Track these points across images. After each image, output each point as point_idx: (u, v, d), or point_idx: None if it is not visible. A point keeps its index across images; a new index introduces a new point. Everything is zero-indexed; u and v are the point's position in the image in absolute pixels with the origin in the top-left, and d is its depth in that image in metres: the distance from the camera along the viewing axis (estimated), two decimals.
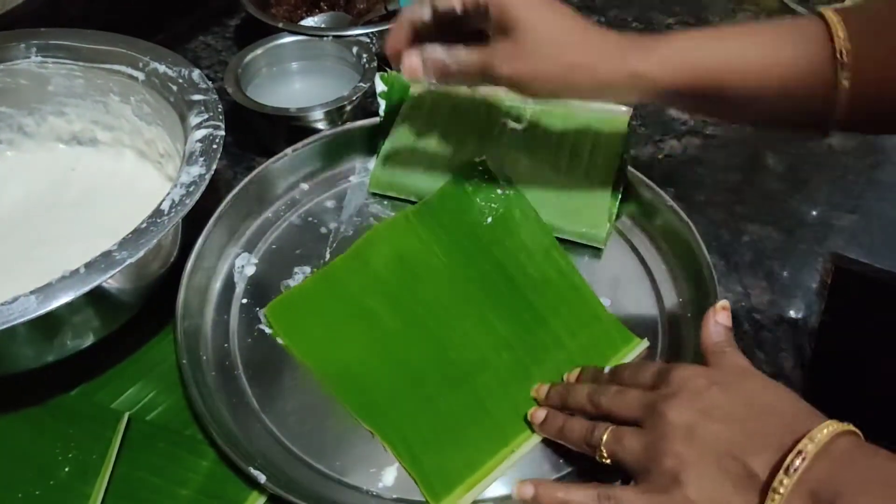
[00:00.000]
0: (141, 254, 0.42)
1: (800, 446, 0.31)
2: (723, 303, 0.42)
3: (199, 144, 0.48)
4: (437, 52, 0.46)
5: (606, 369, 0.44)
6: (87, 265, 0.41)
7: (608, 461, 0.38)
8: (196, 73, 0.54)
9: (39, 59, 0.57)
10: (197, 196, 0.45)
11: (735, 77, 0.41)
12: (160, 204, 0.44)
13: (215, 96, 0.52)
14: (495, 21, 0.44)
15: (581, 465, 0.43)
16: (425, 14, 0.47)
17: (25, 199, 0.58)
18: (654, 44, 0.43)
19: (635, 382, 0.40)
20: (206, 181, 0.46)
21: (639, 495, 0.35)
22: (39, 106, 0.59)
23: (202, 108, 0.50)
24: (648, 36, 0.45)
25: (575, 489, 0.38)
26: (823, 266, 0.55)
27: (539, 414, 0.44)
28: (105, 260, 0.41)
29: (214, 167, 0.47)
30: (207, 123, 0.49)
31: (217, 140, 0.48)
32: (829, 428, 0.32)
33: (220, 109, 0.51)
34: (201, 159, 0.47)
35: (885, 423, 0.45)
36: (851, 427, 0.32)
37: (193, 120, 0.49)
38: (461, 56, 0.46)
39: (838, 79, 0.38)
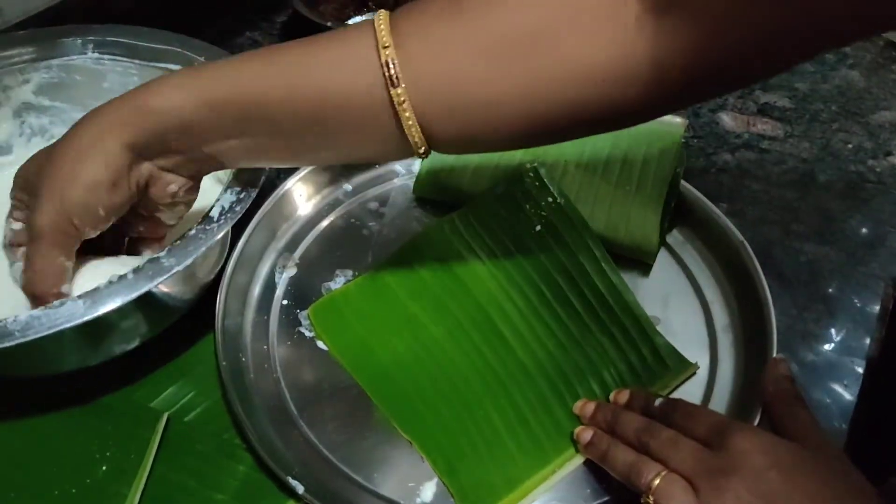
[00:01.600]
0: (189, 261, 0.41)
1: None
2: (780, 356, 0.42)
3: None
4: None
5: (658, 401, 0.42)
6: (136, 271, 0.40)
7: None
8: None
9: (96, 55, 0.56)
10: (248, 203, 0.44)
11: (257, 103, 0.36)
12: (210, 210, 0.44)
13: None
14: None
15: (622, 494, 0.41)
16: None
17: None
18: (161, 78, 0.39)
19: (688, 430, 0.38)
20: (258, 188, 0.45)
21: None
22: (94, 103, 0.56)
23: None
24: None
25: None
26: (885, 291, 0.52)
27: (585, 435, 0.43)
28: (153, 267, 0.41)
29: (265, 176, 0.46)
30: None
31: None
32: None
33: None
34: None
35: None
36: None
37: None
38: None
39: (392, 97, 0.33)
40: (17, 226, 0.43)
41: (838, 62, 0.73)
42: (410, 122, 0.34)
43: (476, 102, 0.34)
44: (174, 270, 0.40)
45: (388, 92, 0.33)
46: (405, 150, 0.37)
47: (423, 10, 0.35)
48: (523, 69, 0.34)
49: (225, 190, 0.45)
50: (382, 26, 0.34)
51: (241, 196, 0.44)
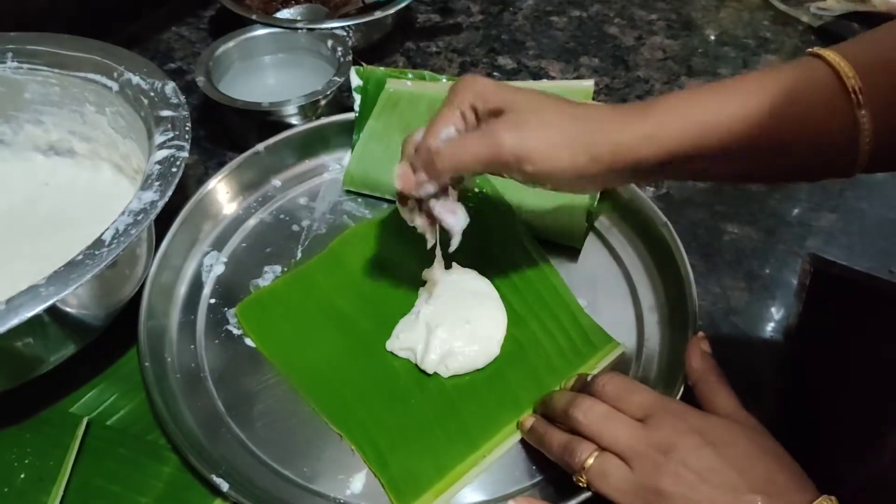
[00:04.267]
0: (69, 290, 0.38)
1: None
2: (700, 333, 0.43)
3: (157, 167, 0.45)
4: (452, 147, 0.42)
5: (590, 377, 0.43)
6: (9, 301, 0.38)
7: (586, 486, 0.37)
8: (170, 87, 0.51)
9: (15, 64, 0.54)
10: (145, 225, 0.42)
11: (744, 130, 0.37)
12: (102, 234, 0.41)
13: (185, 113, 0.49)
14: (484, 110, 0.42)
15: (553, 472, 0.42)
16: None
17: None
18: (648, 108, 0.39)
19: (620, 406, 0.39)
20: (158, 209, 0.43)
21: None
22: (16, 114, 0.56)
23: (169, 125, 0.48)
24: (629, 106, 0.41)
25: None
26: (802, 267, 0.54)
27: (528, 421, 0.43)
28: (27, 296, 0.38)
29: (170, 193, 0.44)
30: (171, 143, 0.46)
31: (178, 162, 0.45)
32: None
33: (187, 128, 0.48)
34: (157, 184, 0.44)
35: (858, 424, 0.44)
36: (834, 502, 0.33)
37: (158, 138, 0.47)
38: (466, 144, 0.41)
39: (857, 118, 0.35)
40: (451, 133, 0.42)
41: (759, 46, 0.75)
42: (868, 144, 0.36)
43: None
44: (49, 302, 0.38)
45: (854, 115, 0.35)
46: (845, 169, 0.37)
47: (876, 42, 0.36)
48: None
49: (122, 213, 0.43)
50: (836, 59, 0.35)
51: (139, 218, 0.42)
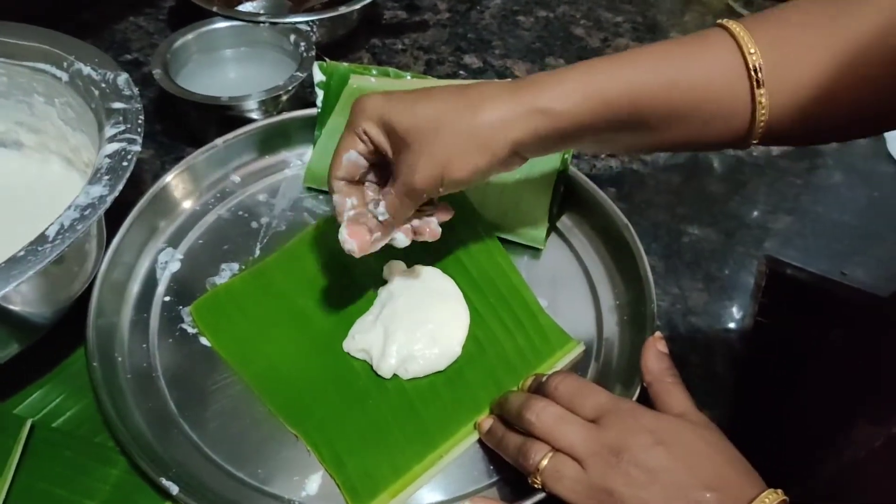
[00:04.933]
0: (8, 288, 0.37)
1: None
2: (658, 334, 0.43)
3: (107, 160, 0.43)
4: (370, 223, 0.43)
5: (545, 378, 0.42)
6: None
7: (540, 488, 0.37)
8: (122, 78, 0.49)
9: None
10: (92, 221, 0.40)
11: (646, 99, 0.38)
12: (46, 229, 0.40)
13: (138, 105, 0.47)
14: (384, 149, 0.42)
15: (510, 472, 0.41)
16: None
17: None
18: (552, 77, 0.39)
19: (575, 407, 0.39)
20: (107, 204, 0.41)
21: None
22: None
23: (120, 118, 0.46)
24: (545, 73, 0.40)
25: None
26: (758, 268, 0.55)
27: (486, 423, 0.43)
28: None
29: (120, 187, 0.42)
30: (122, 136, 0.45)
31: (129, 156, 0.43)
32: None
33: (140, 121, 0.46)
34: (106, 178, 0.42)
35: (811, 422, 0.45)
36: (782, 496, 0.34)
37: (109, 131, 0.45)
38: (383, 207, 0.43)
39: (755, 96, 0.36)
40: (360, 162, 0.43)
41: None
42: (763, 119, 0.37)
43: (830, 111, 0.36)
44: None
45: (752, 92, 0.36)
46: (739, 141, 0.39)
47: (782, 20, 0.37)
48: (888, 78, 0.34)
49: (69, 207, 0.41)
50: (742, 33, 0.36)
51: (86, 213, 0.41)
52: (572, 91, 0.38)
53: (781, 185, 0.62)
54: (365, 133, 0.42)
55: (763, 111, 0.36)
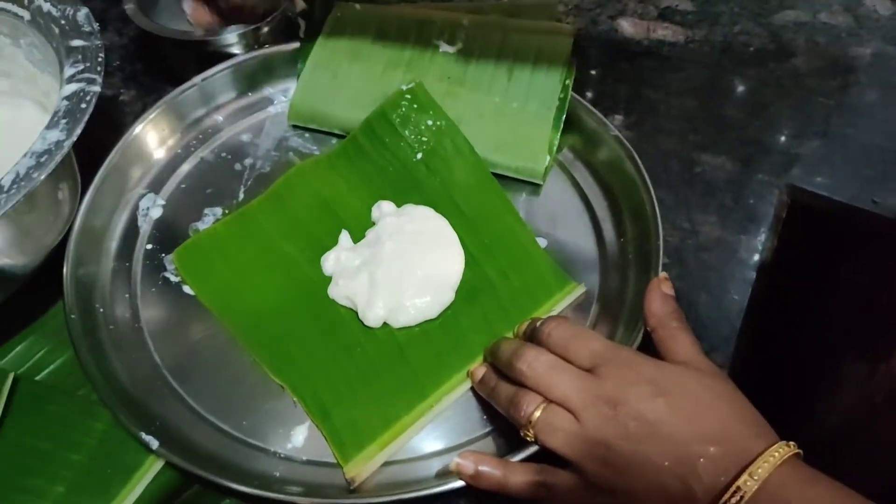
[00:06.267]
0: None
1: (740, 482, 0.30)
2: (663, 275, 0.40)
3: (65, 103, 0.40)
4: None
5: (539, 323, 0.40)
6: None
7: (533, 441, 0.35)
8: (82, 14, 0.46)
9: None
10: (49, 168, 0.37)
11: None
12: (1, 179, 0.37)
13: (98, 42, 0.44)
14: None
15: (504, 422, 0.39)
16: None
17: None
18: None
19: (567, 356, 0.36)
20: (64, 150, 0.38)
21: (578, 491, 0.34)
22: None
23: (79, 56, 0.43)
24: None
25: (514, 472, 0.36)
26: (779, 199, 0.51)
27: (478, 371, 0.41)
28: None
29: (79, 131, 0.39)
30: (81, 76, 0.41)
31: (88, 98, 0.40)
32: (770, 459, 0.30)
33: (100, 59, 0.43)
34: (63, 121, 0.39)
35: (832, 361, 0.42)
36: (794, 450, 0.31)
37: (68, 71, 0.42)
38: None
39: None
40: None
41: None
42: None
43: None
44: None
45: None
46: None
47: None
48: None
49: (25, 154, 0.38)
50: None
51: (43, 160, 0.38)
52: None
53: (808, 107, 0.57)
54: None
55: None
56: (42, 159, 0.38)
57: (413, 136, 0.50)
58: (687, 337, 0.37)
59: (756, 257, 0.48)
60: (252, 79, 0.55)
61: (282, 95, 0.56)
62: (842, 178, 0.52)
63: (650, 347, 0.38)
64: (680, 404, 0.33)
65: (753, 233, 0.49)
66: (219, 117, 0.55)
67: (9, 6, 0.48)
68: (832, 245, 0.47)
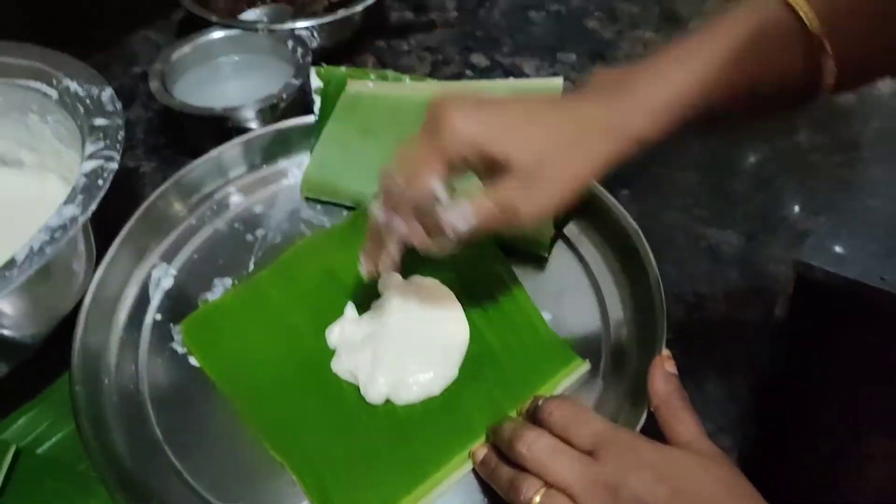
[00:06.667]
0: None
1: None
2: (666, 353, 0.40)
3: (84, 179, 0.42)
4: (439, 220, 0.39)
5: (540, 401, 0.39)
6: None
7: None
8: (106, 94, 0.48)
9: None
10: (62, 243, 0.39)
11: (725, 99, 0.38)
12: (16, 253, 0.39)
13: (120, 121, 0.46)
14: (481, 166, 0.39)
15: None
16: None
17: None
18: (637, 100, 0.39)
19: (568, 437, 0.36)
20: (78, 225, 0.40)
21: None
22: None
23: (100, 134, 0.45)
24: (613, 85, 0.39)
25: None
26: (785, 274, 0.50)
27: (479, 452, 0.40)
28: None
29: (94, 208, 0.41)
30: (101, 153, 0.44)
31: (106, 174, 0.42)
32: None
33: (120, 137, 0.45)
34: (80, 197, 0.41)
35: (835, 441, 0.41)
36: None
37: (89, 148, 0.44)
38: (474, 213, 0.38)
39: (820, 62, 0.36)
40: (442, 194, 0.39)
41: None
42: (831, 79, 0.37)
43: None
44: None
45: (817, 58, 0.36)
46: (810, 98, 0.39)
47: None
48: None
49: (40, 229, 0.40)
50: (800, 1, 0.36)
51: (56, 236, 0.39)
52: (659, 117, 0.38)
53: (813, 182, 0.57)
54: (463, 161, 0.39)
55: (830, 74, 0.37)
56: (56, 234, 0.39)
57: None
58: (690, 418, 0.37)
59: (763, 334, 0.48)
60: (267, 152, 0.57)
61: (296, 168, 0.58)
62: (849, 254, 0.52)
63: (655, 426, 0.37)
64: (682, 491, 0.32)
65: (760, 308, 0.49)
66: (234, 189, 0.56)
67: (39, 85, 0.51)
68: (841, 321, 0.46)
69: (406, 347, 0.44)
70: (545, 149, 0.38)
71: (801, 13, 0.36)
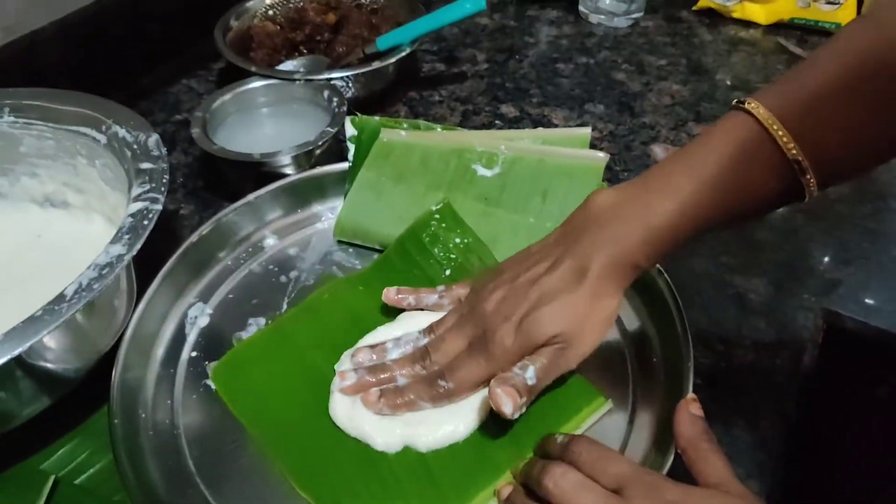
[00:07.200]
0: (24, 347, 0.38)
1: None
2: (691, 396, 0.40)
3: (130, 220, 0.45)
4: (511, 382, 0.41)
5: (562, 439, 0.40)
6: None
7: None
8: (153, 139, 0.51)
9: (12, 118, 0.55)
10: (109, 279, 0.41)
11: (709, 218, 0.41)
12: (65, 288, 0.40)
13: (164, 165, 0.49)
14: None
15: None
16: None
17: None
18: (624, 228, 0.42)
19: (595, 476, 0.36)
20: (124, 263, 0.42)
21: None
22: (12, 167, 0.57)
23: (146, 177, 0.47)
24: (612, 216, 0.42)
25: None
26: (814, 323, 0.50)
27: (504, 490, 0.41)
28: None
29: (139, 246, 0.43)
30: (146, 195, 0.46)
31: (150, 215, 0.45)
32: None
33: (164, 180, 0.48)
34: (126, 237, 0.43)
35: (867, 498, 0.40)
36: None
37: (135, 190, 0.47)
38: (532, 372, 0.42)
39: (804, 180, 0.38)
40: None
41: None
42: (813, 189, 0.39)
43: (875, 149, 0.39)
44: (4, 358, 0.37)
45: (798, 178, 0.38)
46: (796, 200, 0.40)
47: (799, 83, 0.39)
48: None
49: (89, 266, 0.42)
50: (774, 126, 0.38)
51: (104, 273, 0.41)
52: (652, 249, 0.42)
53: (839, 232, 0.57)
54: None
55: (809, 176, 0.38)
56: (104, 272, 0.41)
57: (442, 254, 0.53)
58: (718, 459, 0.37)
59: (792, 382, 0.47)
60: (302, 197, 0.59)
61: (329, 213, 0.60)
62: (877, 305, 0.52)
63: (682, 470, 0.37)
64: None
65: (788, 357, 0.49)
66: (269, 232, 0.58)
67: (88, 130, 0.54)
68: (870, 370, 0.46)
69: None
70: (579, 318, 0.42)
71: (776, 136, 0.37)
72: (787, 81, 0.40)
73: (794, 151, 0.37)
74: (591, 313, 0.42)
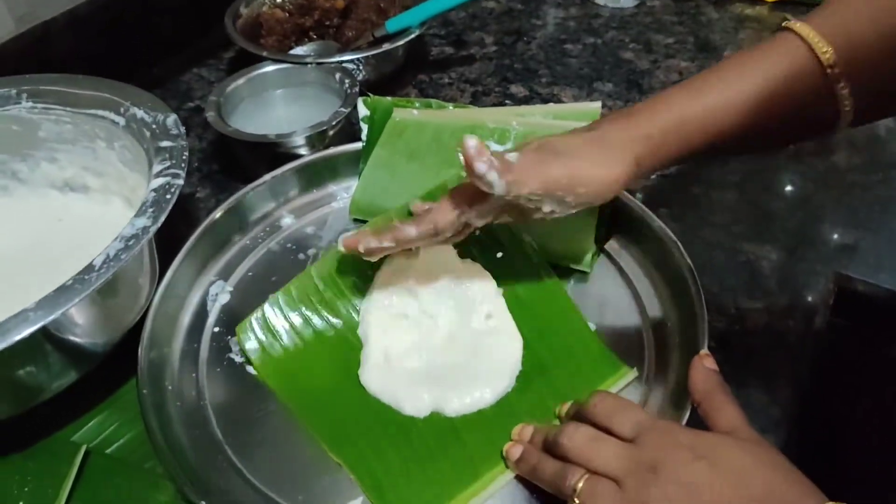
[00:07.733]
0: (56, 314, 0.39)
1: None
2: (704, 351, 0.41)
3: (153, 194, 0.45)
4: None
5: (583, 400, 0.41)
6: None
7: None
8: (171, 119, 0.52)
9: (30, 104, 0.56)
10: (136, 250, 0.42)
11: (735, 125, 0.41)
12: (94, 259, 0.41)
13: (184, 143, 0.50)
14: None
15: (555, 501, 0.39)
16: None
17: (13, 248, 0.57)
18: (645, 129, 0.42)
19: (611, 427, 0.37)
20: (150, 234, 0.43)
21: None
22: (32, 152, 0.58)
23: (166, 155, 0.48)
24: (631, 118, 0.43)
25: None
26: (825, 286, 0.51)
27: (514, 451, 0.41)
28: (16, 321, 0.38)
29: (163, 218, 0.44)
30: (167, 171, 0.47)
31: (172, 189, 0.46)
32: None
33: (184, 157, 0.48)
34: (150, 210, 0.44)
35: (880, 463, 0.41)
36: None
37: (156, 167, 0.47)
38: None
39: (836, 92, 0.38)
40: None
41: None
42: (848, 108, 0.39)
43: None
44: (37, 325, 0.38)
45: (832, 88, 0.38)
46: (829, 131, 0.41)
47: (846, 11, 0.39)
48: None
49: (116, 238, 0.43)
50: (810, 34, 0.38)
51: (130, 244, 0.42)
52: (653, 142, 0.42)
53: (850, 200, 0.58)
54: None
55: (846, 102, 0.38)
56: (130, 242, 0.42)
57: None
58: (732, 408, 0.37)
59: (804, 343, 0.48)
60: (317, 177, 0.60)
61: (344, 192, 0.61)
62: (887, 268, 0.53)
63: (698, 425, 0.38)
64: (721, 468, 0.33)
65: (800, 319, 0.50)
66: (286, 212, 0.59)
67: (106, 113, 0.55)
68: (881, 331, 0.47)
69: (459, 364, 0.46)
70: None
71: (819, 52, 0.38)
72: (835, 10, 0.39)
73: (827, 54, 0.37)
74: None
